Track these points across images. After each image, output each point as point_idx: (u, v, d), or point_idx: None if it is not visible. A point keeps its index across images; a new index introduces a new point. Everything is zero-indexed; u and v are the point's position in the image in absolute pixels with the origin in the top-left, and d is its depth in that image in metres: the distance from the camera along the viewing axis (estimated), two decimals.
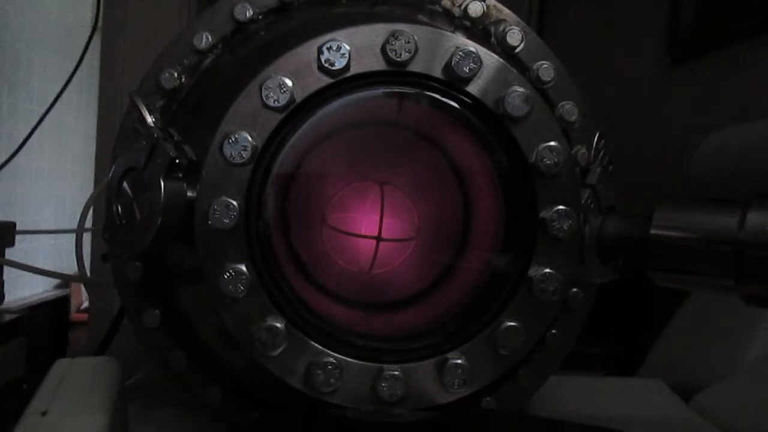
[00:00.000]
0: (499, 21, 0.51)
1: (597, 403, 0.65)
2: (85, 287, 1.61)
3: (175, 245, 0.43)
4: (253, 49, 0.49)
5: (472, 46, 0.41)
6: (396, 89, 0.42)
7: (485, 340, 0.42)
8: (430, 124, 0.48)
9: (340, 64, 0.39)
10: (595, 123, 0.50)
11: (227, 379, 0.50)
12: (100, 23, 1.02)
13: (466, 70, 0.41)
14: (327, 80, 0.40)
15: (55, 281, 2.28)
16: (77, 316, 2.16)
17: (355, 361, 0.40)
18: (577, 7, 1.63)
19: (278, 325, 0.39)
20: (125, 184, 0.42)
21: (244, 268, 0.39)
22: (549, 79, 0.48)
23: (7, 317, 0.91)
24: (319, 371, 0.40)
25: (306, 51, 0.39)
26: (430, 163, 0.51)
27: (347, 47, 0.39)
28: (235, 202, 0.39)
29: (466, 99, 0.42)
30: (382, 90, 0.42)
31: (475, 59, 0.41)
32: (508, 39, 0.49)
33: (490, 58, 0.41)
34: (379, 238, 0.52)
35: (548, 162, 0.41)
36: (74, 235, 0.81)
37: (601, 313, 0.53)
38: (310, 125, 0.41)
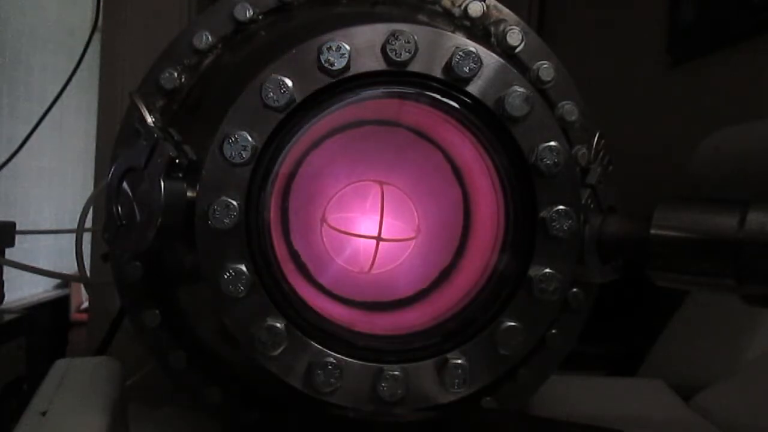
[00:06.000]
0: (499, 21, 0.51)
1: (597, 403, 0.65)
2: (85, 287, 1.61)
3: (175, 245, 0.43)
4: (253, 49, 0.49)
5: (472, 46, 0.41)
6: (396, 89, 0.42)
7: (485, 340, 0.42)
8: (430, 124, 0.48)
9: (340, 64, 0.39)
10: (595, 123, 0.50)
11: (227, 379, 0.50)
12: (100, 23, 1.02)
13: (466, 70, 0.41)
14: (327, 80, 0.40)
15: (55, 281, 2.28)
16: (77, 316, 2.16)
17: (355, 361, 0.40)
18: (577, 7, 1.63)
19: (278, 325, 0.39)
20: (125, 184, 0.42)
21: (244, 268, 0.39)
22: (549, 79, 0.48)
23: (7, 317, 0.91)
24: (319, 371, 0.40)
25: (306, 51, 0.39)
26: (430, 163, 0.51)
27: (347, 47, 0.39)
28: (235, 202, 0.39)
29: (466, 99, 0.42)
30: (382, 90, 0.42)
31: (475, 59, 0.41)
32: (508, 39, 0.49)
33: (490, 58, 0.41)
34: (379, 238, 0.52)
35: (548, 162, 0.41)
36: (74, 235, 0.80)
37: (601, 312, 0.53)
38: (309, 125, 0.41)
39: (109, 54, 0.93)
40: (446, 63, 0.41)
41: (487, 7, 0.51)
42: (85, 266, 0.82)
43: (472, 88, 0.41)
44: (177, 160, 0.40)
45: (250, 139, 0.39)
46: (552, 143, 0.41)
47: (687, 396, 0.68)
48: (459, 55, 0.40)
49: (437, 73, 0.41)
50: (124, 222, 0.42)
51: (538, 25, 1.60)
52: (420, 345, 0.42)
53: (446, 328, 0.43)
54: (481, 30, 0.51)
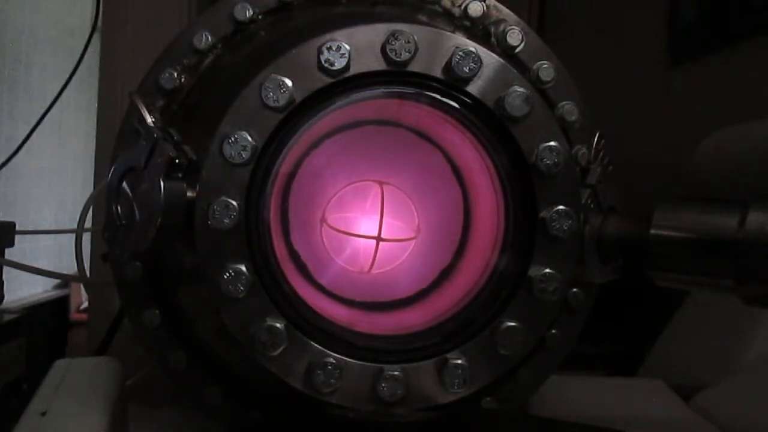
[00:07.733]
0: (499, 21, 0.51)
1: (597, 403, 0.65)
2: (84, 287, 1.61)
3: (175, 245, 0.42)
4: (253, 49, 0.49)
5: (472, 46, 0.41)
6: (396, 89, 0.42)
7: (485, 340, 0.42)
8: (430, 124, 0.48)
9: (339, 64, 0.39)
10: (595, 123, 0.50)
11: (227, 379, 0.50)
12: (100, 23, 1.02)
13: (466, 70, 0.41)
14: (327, 80, 0.40)
15: (55, 281, 2.28)
16: (77, 316, 2.16)
17: (355, 361, 0.40)
18: (577, 7, 1.63)
19: (278, 325, 0.39)
20: (125, 184, 0.42)
21: (244, 268, 0.39)
22: (549, 79, 0.48)
23: (7, 317, 0.91)
24: (319, 371, 0.40)
25: (306, 51, 0.39)
26: (430, 163, 0.51)
27: (347, 47, 0.39)
28: (234, 202, 0.39)
29: (466, 99, 0.42)
30: (381, 90, 0.42)
31: (475, 59, 0.41)
32: (508, 39, 0.49)
33: (490, 58, 0.41)
34: (379, 238, 0.52)
35: (548, 162, 0.41)
36: (74, 235, 0.80)
37: (601, 312, 0.53)
38: (309, 125, 0.41)
39: (109, 54, 0.93)
40: (446, 63, 0.41)
41: (487, 7, 0.51)
42: (85, 266, 0.82)
43: (472, 88, 0.41)
44: (177, 160, 0.40)
45: (249, 139, 0.39)
46: (552, 143, 0.41)
47: (687, 396, 0.68)
48: (459, 55, 0.40)
49: (437, 73, 0.41)
50: (124, 222, 0.42)
51: (538, 25, 1.60)
52: (420, 345, 0.42)
53: (446, 328, 0.43)
54: (481, 30, 0.51)
